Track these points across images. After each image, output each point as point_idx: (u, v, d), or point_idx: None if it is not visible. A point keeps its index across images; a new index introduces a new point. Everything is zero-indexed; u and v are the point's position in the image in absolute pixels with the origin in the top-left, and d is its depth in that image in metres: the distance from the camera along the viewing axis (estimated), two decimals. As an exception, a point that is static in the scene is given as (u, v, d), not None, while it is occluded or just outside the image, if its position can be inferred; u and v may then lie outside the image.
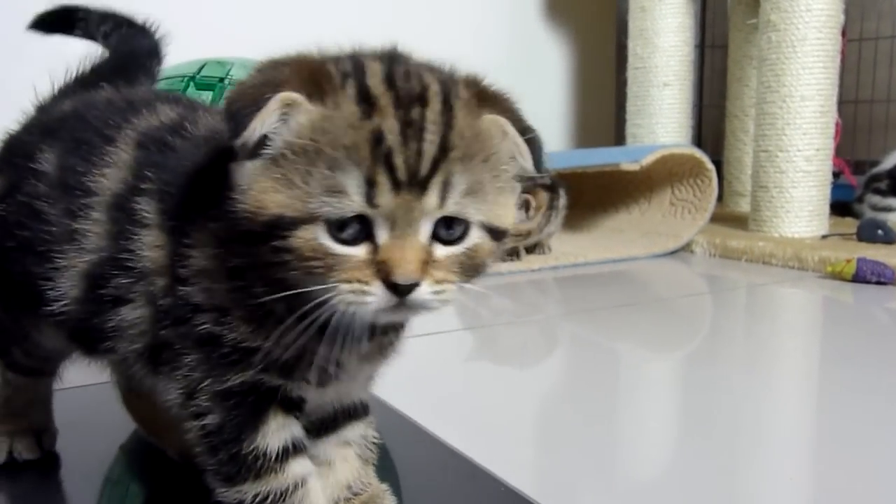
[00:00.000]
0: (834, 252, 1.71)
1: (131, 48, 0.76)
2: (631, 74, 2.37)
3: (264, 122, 0.44)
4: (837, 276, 1.62)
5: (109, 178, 0.55)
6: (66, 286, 0.56)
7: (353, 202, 0.44)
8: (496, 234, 0.48)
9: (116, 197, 0.55)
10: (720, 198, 2.13)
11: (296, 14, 2.41)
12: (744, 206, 2.39)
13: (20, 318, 0.65)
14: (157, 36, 0.77)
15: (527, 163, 0.49)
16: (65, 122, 0.61)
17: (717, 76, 2.83)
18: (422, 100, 0.45)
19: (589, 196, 2.28)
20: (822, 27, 1.90)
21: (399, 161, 0.44)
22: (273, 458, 0.53)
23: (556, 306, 1.53)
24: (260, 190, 0.45)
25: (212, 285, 0.50)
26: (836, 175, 2.20)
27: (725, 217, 2.28)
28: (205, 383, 0.51)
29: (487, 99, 0.49)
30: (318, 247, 0.44)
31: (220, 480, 0.53)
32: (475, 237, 0.47)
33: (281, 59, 0.47)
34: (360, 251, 0.45)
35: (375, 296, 0.45)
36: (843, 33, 2.03)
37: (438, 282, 0.46)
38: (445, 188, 0.45)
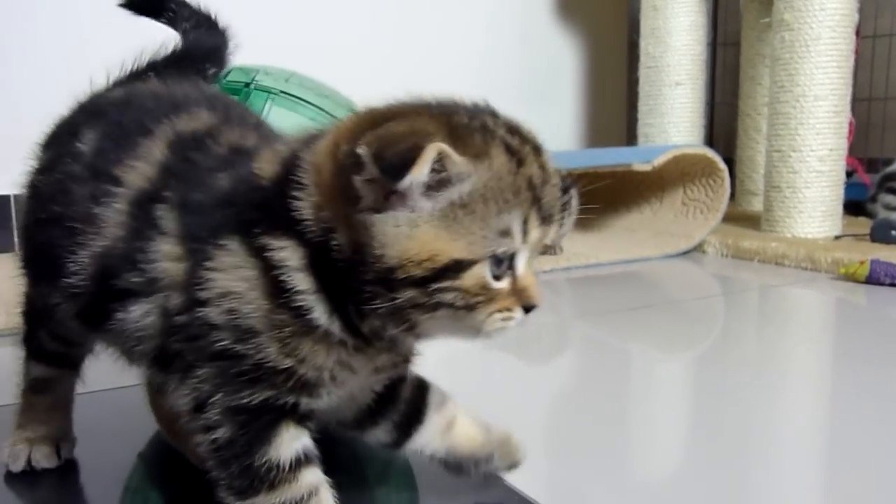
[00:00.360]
0: (847, 253, 1.71)
1: (198, 47, 0.78)
2: (643, 73, 2.36)
3: (422, 171, 0.46)
4: (851, 278, 1.61)
5: (138, 171, 0.56)
6: (84, 263, 0.57)
7: (516, 241, 0.50)
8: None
9: (140, 194, 0.56)
10: (732, 196, 2.12)
11: (307, 15, 2.41)
12: (756, 204, 2.38)
13: (47, 292, 0.65)
14: (226, 40, 0.79)
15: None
16: (110, 106, 0.63)
17: (730, 74, 2.81)
18: (540, 148, 0.53)
19: (600, 196, 2.27)
20: (836, 26, 1.89)
21: (546, 202, 0.51)
22: (286, 468, 0.53)
23: (568, 307, 1.53)
24: (432, 240, 0.48)
25: (241, 307, 0.51)
26: (848, 174, 2.18)
27: (737, 216, 2.27)
28: (216, 397, 0.52)
29: None
30: (484, 283, 0.49)
31: (233, 494, 0.54)
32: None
33: (405, 107, 0.52)
34: (506, 282, 0.51)
35: (517, 320, 0.52)
36: (857, 32, 2.01)
37: None
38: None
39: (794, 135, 1.95)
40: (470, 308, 0.50)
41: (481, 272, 0.49)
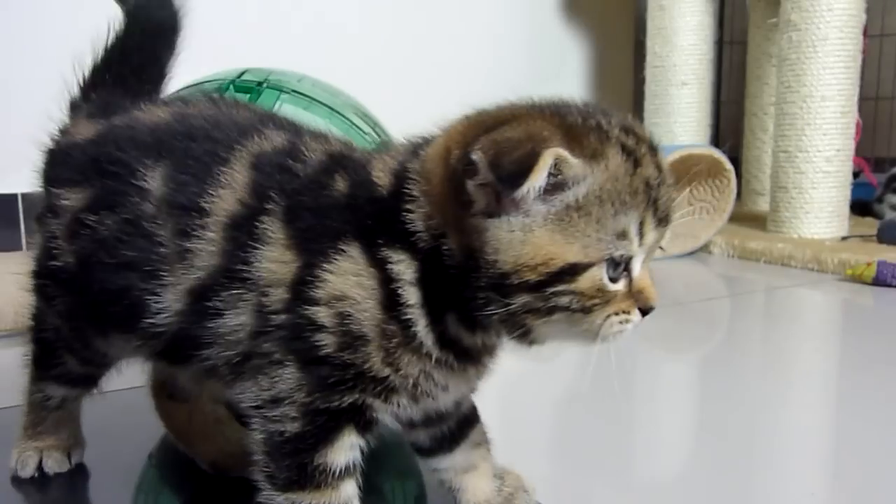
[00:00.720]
0: (854, 254, 1.70)
1: (153, 20, 0.76)
2: (649, 73, 2.36)
3: (540, 178, 0.46)
4: (857, 279, 1.61)
5: (225, 199, 0.55)
6: (170, 300, 0.56)
7: (633, 243, 0.49)
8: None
9: (234, 217, 0.55)
10: (738, 195, 2.12)
11: (310, 13, 2.41)
12: (762, 204, 2.38)
13: (86, 328, 0.66)
14: (176, 8, 0.76)
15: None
16: (168, 138, 0.60)
17: (736, 73, 2.81)
18: (655, 148, 0.52)
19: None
20: (843, 27, 1.89)
21: (661, 203, 0.50)
22: (335, 474, 0.54)
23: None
24: (547, 244, 0.48)
25: (356, 314, 0.51)
26: (855, 174, 2.18)
27: (744, 216, 2.27)
28: (296, 396, 0.52)
29: None
30: (601, 285, 0.49)
31: (276, 484, 0.54)
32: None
33: (517, 109, 0.51)
34: (622, 284, 0.51)
35: (634, 322, 0.51)
36: (865, 32, 2.01)
37: None
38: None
39: (801, 135, 1.94)
40: (586, 311, 0.49)
41: (597, 275, 0.49)
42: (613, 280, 0.50)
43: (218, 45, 2.17)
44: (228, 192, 0.56)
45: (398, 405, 0.55)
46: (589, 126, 0.50)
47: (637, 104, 2.61)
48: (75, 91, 0.74)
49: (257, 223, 0.54)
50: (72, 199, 0.62)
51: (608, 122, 0.50)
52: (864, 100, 2.11)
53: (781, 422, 0.91)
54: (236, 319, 0.54)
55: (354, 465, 0.55)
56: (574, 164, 0.47)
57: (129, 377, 1.01)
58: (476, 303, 0.50)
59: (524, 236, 0.48)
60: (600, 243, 0.48)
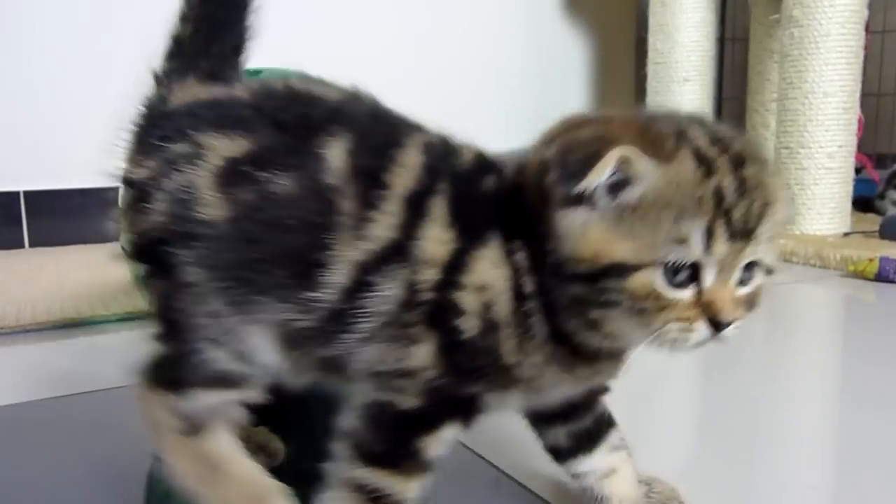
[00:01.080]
0: (856, 250, 1.70)
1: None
2: (651, 69, 2.36)
3: (601, 175, 0.48)
4: (859, 275, 1.61)
5: (405, 175, 0.55)
6: (340, 272, 0.54)
7: (694, 251, 0.49)
8: (770, 272, 0.54)
9: (412, 192, 0.54)
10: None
11: (312, 13, 2.41)
12: (764, 201, 2.38)
13: (231, 303, 0.56)
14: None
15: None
16: (350, 112, 0.58)
17: (738, 70, 2.80)
18: (743, 161, 0.51)
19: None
20: (845, 23, 1.89)
21: (736, 215, 0.49)
22: (419, 465, 0.54)
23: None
24: (599, 239, 0.49)
25: (496, 301, 0.52)
26: (857, 170, 2.18)
27: (746, 213, 2.27)
28: (425, 374, 0.53)
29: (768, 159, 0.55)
30: (653, 290, 0.49)
31: (362, 457, 0.54)
32: (760, 277, 0.53)
33: (596, 115, 0.53)
34: (687, 294, 0.50)
35: (698, 332, 0.50)
36: (867, 28, 2.01)
37: (739, 318, 0.51)
38: (762, 238, 0.51)
39: (803, 131, 1.94)
40: (641, 313, 0.50)
41: (649, 278, 0.49)
42: (677, 287, 0.49)
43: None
44: (405, 170, 0.55)
45: (511, 399, 0.55)
46: (667, 132, 0.50)
47: (639, 101, 2.61)
48: (168, 59, 0.66)
49: (427, 200, 0.54)
50: (225, 145, 0.56)
51: (695, 132, 0.51)
52: (865, 96, 2.11)
53: (783, 417, 0.91)
54: (388, 293, 0.53)
55: (432, 464, 0.55)
56: (637, 164, 0.48)
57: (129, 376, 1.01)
58: (554, 293, 0.52)
59: (581, 230, 0.49)
60: (653, 246, 0.48)
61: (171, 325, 0.58)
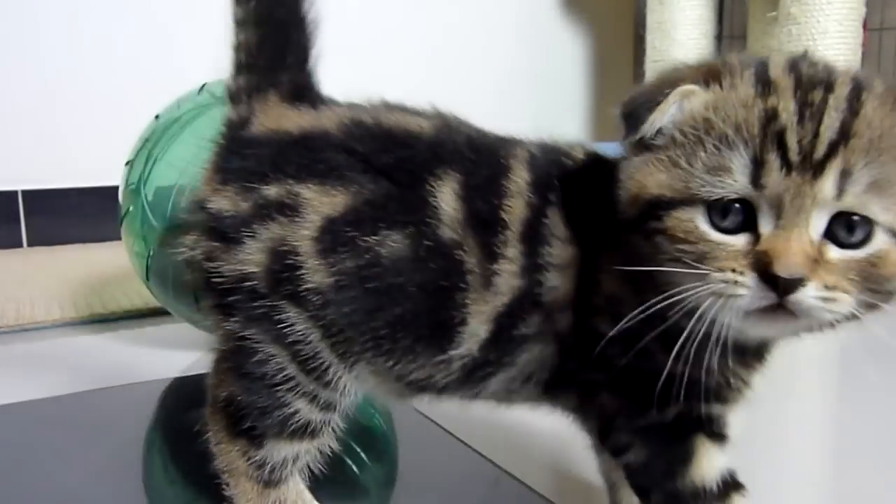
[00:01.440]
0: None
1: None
2: (649, 67, 2.35)
3: (663, 115, 0.43)
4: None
5: (515, 208, 0.50)
6: (476, 329, 0.50)
7: (736, 182, 0.41)
8: None
9: (525, 224, 0.50)
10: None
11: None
12: (762, 199, 2.38)
13: (336, 360, 0.54)
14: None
15: None
16: (448, 147, 0.53)
17: (736, 67, 2.80)
18: (825, 85, 0.42)
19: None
20: (843, 20, 1.89)
21: (791, 140, 0.40)
22: (714, 492, 0.49)
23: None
24: (642, 175, 0.44)
25: (621, 311, 0.45)
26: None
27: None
28: (622, 421, 0.48)
29: None
30: (693, 230, 0.42)
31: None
32: (881, 242, 0.41)
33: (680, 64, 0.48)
34: (738, 241, 0.41)
35: (749, 289, 0.40)
36: (864, 25, 2.01)
37: (829, 287, 0.40)
38: (844, 178, 0.40)
39: (801, 129, 1.94)
40: (685, 263, 0.42)
41: (688, 216, 0.42)
42: (726, 231, 0.41)
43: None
44: (516, 200, 0.50)
45: (720, 406, 0.50)
46: (738, 63, 0.44)
47: (637, 99, 2.61)
48: (239, 72, 0.59)
49: (542, 226, 0.50)
50: (322, 201, 0.51)
51: (777, 60, 0.44)
52: (863, 93, 2.11)
53: (782, 420, 0.91)
54: (537, 351, 0.50)
55: (734, 477, 0.51)
56: (695, 97, 0.43)
57: (126, 374, 1.01)
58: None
59: (632, 172, 0.45)
60: (690, 177, 0.41)
61: (250, 373, 0.54)
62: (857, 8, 1.91)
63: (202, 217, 0.54)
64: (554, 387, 0.52)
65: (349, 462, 0.73)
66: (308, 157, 0.52)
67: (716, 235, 0.41)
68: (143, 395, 0.93)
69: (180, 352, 1.09)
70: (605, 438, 0.50)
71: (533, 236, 0.49)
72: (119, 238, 1.05)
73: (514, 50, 2.69)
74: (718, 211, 0.41)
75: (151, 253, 0.99)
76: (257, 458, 0.55)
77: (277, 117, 0.55)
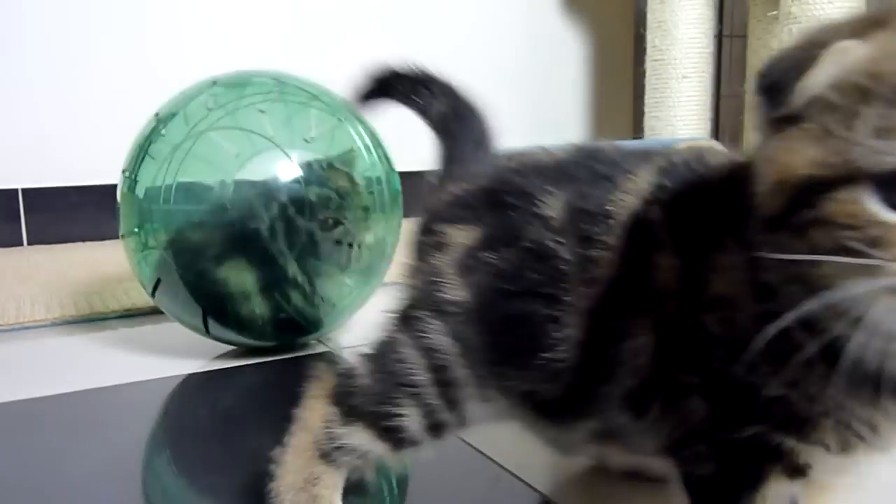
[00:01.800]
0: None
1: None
2: (649, 66, 2.35)
3: (815, 79, 0.35)
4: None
5: (627, 201, 0.49)
6: (571, 327, 0.50)
7: None
8: None
9: (631, 217, 0.48)
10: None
11: (312, 13, 2.40)
12: (763, 198, 2.38)
13: (464, 372, 0.56)
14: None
15: None
16: (570, 167, 0.55)
17: (736, 66, 2.80)
18: None
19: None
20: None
21: None
22: None
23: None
24: (786, 154, 0.36)
25: (733, 315, 0.41)
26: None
27: (744, 210, 2.27)
28: (706, 429, 0.45)
29: None
30: (860, 213, 0.33)
31: None
32: None
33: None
34: None
35: None
36: (865, 24, 2.01)
37: None
38: None
39: (802, 128, 1.94)
40: (843, 250, 0.34)
41: (851, 196, 0.33)
42: None
43: (206, 48, 2.17)
44: (631, 196, 0.49)
45: (823, 447, 0.42)
46: (891, 11, 0.36)
47: (637, 97, 2.61)
48: (443, 167, 0.71)
49: (647, 222, 0.47)
50: (462, 236, 0.57)
51: None
52: (864, 92, 2.11)
53: None
54: (637, 341, 0.47)
55: None
56: (851, 52, 0.35)
57: (129, 373, 1.01)
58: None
59: (772, 152, 0.37)
60: (851, 149, 0.33)
61: (383, 370, 0.57)
62: (857, 7, 1.91)
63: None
64: (637, 396, 0.49)
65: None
66: (454, 208, 0.60)
67: (890, 216, 0.33)
68: (144, 395, 0.93)
69: (181, 351, 1.09)
70: (682, 447, 0.47)
71: (639, 229, 0.47)
72: (119, 237, 1.05)
73: (514, 48, 2.69)
74: (891, 185, 0.33)
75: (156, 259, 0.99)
76: (335, 431, 0.56)
77: (448, 192, 0.63)
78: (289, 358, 1.04)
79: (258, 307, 1.00)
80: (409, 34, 2.50)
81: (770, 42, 2.35)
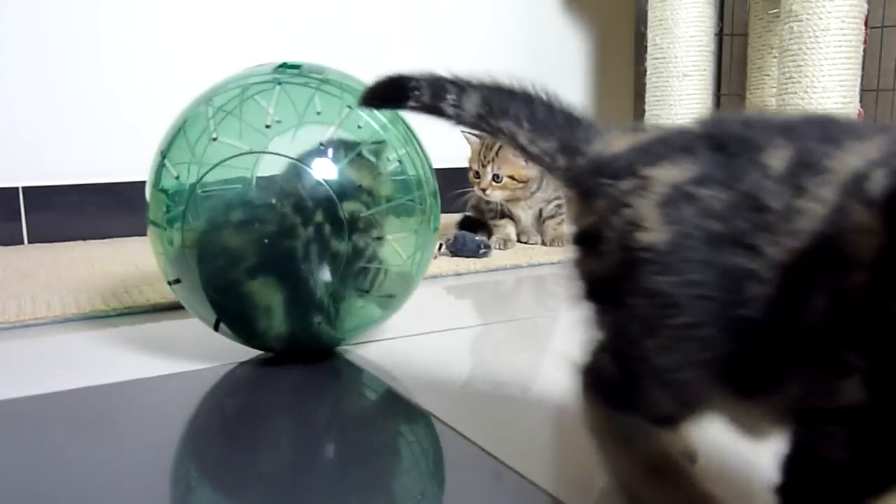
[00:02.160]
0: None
1: None
2: (650, 64, 2.35)
3: None
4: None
5: (847, 160, 0.46)
6: (767, 280, 0.47)
7: None
8: None
9: (852, 174, 0.45)
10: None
11: (310, 12, 2.40)
12: (763, 196, 2.38)
13: (672, 338, 0.52)
14: None
15: None
16: (795, 132, 0.52)
17: (737, 65, 2.80)
18: None
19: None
20: (845, 17, 1.89)
21: None
22: None
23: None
24: None
25: None
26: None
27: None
28: (852, 416, 0.42)
29: None
30: None
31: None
32: None
33: None
34: None
35: None
36: (866, 23, 2.01)
37: None
38: None
39: (803, 126, 1.94)
40: None
41: None
42: None
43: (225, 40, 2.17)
44: (857, 157, 0.46)
45: None
46: None
47: (638, 95, 2.61)
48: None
49: (870, 180, 0.44)
50: (669, 174, 0.53)
51: None
52: (864, 91, 2.11)
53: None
54: (815, 303, 0.44)
55: None
56: None
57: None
58: None
59: None
60: None
61: (622, 357, 0.56)
62: (858, 5, 1.91)
63: (580, 246, 0.59)
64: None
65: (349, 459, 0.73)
66: (667, 145, 0.56)
67: None
68: (144, 394, 0.94)
69: (183, 349, 1.09)
70: (815, 421, 0.44)
71: (855, 187, 0.44)
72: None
73: (514, 45, 2.69)
74: None
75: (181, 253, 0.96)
76: (617, 419, 0.59)
77: (624, 142, 0.61)
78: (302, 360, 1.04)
79: (278, 323, 0.97)
80: (408, 34, 2.50)
81: (771, 40, 2.35)
